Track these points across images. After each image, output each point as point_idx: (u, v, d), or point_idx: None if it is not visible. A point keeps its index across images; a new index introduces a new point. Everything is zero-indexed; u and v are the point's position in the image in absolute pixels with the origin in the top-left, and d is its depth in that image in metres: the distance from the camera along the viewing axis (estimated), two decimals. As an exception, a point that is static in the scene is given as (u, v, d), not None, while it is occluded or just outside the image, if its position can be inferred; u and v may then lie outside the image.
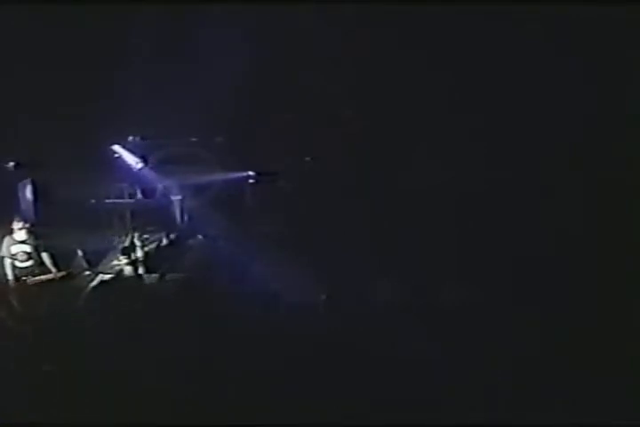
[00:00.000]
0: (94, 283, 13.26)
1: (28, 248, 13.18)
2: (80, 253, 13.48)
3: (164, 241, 14.06)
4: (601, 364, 11.47)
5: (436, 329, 12.20)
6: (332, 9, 12.00)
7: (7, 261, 13.09)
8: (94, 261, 13.55)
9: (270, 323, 12.55)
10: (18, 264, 13.14)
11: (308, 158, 13.54)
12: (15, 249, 13.18)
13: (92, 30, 12.75)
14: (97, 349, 12.06)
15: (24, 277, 13.07)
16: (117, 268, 13.52)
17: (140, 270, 13.55)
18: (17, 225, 13.20)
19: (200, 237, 14.02)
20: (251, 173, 14.03)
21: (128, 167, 14.13)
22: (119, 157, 14.11)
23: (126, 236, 13.82)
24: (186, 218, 14.20)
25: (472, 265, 12.69)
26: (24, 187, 13.76)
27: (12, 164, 13.63)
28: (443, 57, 12.36)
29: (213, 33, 12.68)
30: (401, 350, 12.07)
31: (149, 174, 14.12)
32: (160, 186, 14.14)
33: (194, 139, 13.86)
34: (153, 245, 13.99)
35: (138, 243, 13.77)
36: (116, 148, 14.09)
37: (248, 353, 12.19)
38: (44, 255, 13.18)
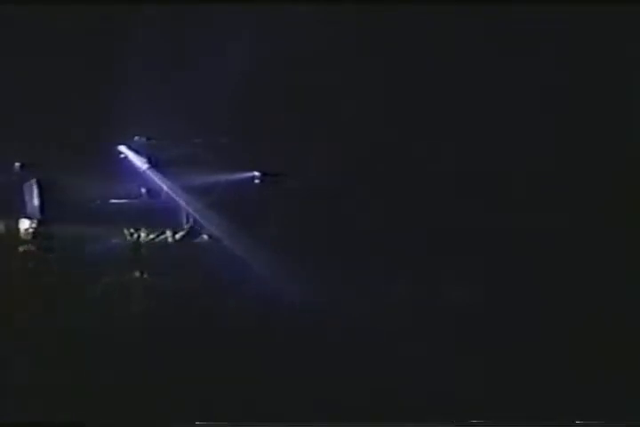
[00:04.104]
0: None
1: (34, 249, 13.25)
2: (85, 253, 13.52)
3: (170, 241, 14.08)
4: (601, 364, 11.46)
5: (438, 329, 12.21)
6: (333, 9, 11.99)
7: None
8: (99, 262, 13.59)
9: (273, 323, 12.59)
10: (25, 265, 13.25)
11: (310, 158, 13.53)
12: (22, 249, 13.25)
13: (97, 29, 12.77)
14: (100, 349, 12.14)
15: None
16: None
17: (145, 270, 13.59)
18: (23, 226, 13.29)
19: (205, 237, 14.03)
20: (256, 173, 14.01)
21: (134, 168, 14.14)
22: (125, 158, 14.12)
23: (131, 236, 13.85)
24: (191, 218, 14.19)
25: (474, 265, 12.68)
26: (30, 187, 13.77)
27: (17, 164, 13.67)
28: (443, 56, 12.33)
29: (217, 33, 12.68)
30: (402, 350, 12.09)
31: (155, 175, 14.12)
32: (165, 186, 14.13)
33: (199, 139, 13.85)
34: (158, 246, 14.01)
35: (143, 243, 13.82)
36: (122, 148, 14.11)
37: (249, 353, 12.24)
38: (50, 256, 13.26)
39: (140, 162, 14.14)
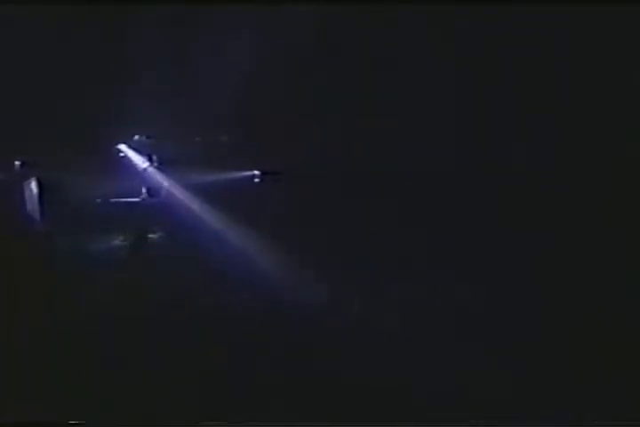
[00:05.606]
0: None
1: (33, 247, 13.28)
2: (86, 251, 13.55)
3: (169, 240, 14.10)
4: (601, 364, 11.48)
5: (438, 329, 12.23)
6: (334, 9, 11.98)
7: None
8: (99, 261, 13.61)
9: (273, 322, 12.61)
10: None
11: (310, 158, 13.54)
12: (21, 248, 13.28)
13: (97, 30, 12.76)
14: (98, 351, 12.16)
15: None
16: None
17: (144, 269, 13.62)
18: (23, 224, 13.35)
19: (205, 235, 14.04)
20: (256, 172, 14.04)
21: (133, 166, 14.18)
22: (125, 157, 14.17)
23: (131, 235, 13.89)
24: (191, 217, 14.21)
25: (474, 264, 12.70)
26: (29, 186, 13.79)
27: (17, 163, 13.70)
28: (443, 56, 12.34)
29: (217, 33, 12.68)
30: (402, 350, 12.11)
31: (155, 173, 14.16)
32: (165, 185, 14.16)
33: (199, 138, 13.88)
34: (158, 244, 14.04)
35: (142, 242, 13.85)
36: (122, 147, 14.15)
37: (249, 353, 12.26)
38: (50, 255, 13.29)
39: (139, 161, 14.19)
